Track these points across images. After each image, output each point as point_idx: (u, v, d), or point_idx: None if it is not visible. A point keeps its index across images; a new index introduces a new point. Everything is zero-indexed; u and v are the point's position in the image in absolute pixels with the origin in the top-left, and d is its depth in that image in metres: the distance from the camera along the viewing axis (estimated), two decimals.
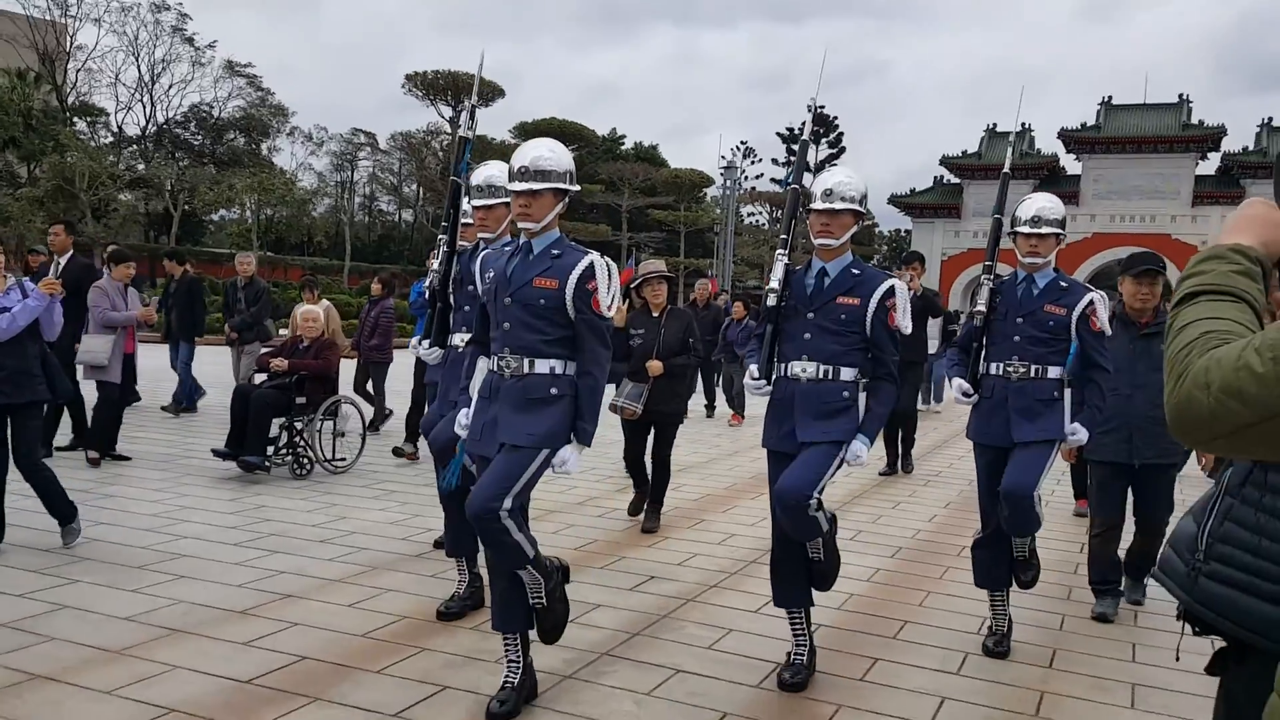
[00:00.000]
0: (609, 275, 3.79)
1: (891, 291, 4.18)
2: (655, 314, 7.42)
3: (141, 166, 50.30)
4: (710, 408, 14.95)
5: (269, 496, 7.60)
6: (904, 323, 4.21)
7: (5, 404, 5.69)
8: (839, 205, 4.18)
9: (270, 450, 8.33)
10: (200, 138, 60.93)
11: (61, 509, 5.93)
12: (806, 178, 4.39)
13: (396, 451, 9.58)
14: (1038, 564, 4.93)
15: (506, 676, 3.91)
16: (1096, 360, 4.77)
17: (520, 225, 3.88)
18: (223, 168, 52.96)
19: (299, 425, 8.47)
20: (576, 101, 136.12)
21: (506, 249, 4.08)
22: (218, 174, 47.60)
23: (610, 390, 6.43)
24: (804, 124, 4.80)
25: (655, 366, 7.16)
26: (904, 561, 6.59)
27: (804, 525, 4.14)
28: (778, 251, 4.29)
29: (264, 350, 10.03)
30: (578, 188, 4.01)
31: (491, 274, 3.96)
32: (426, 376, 6.04)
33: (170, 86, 60.57)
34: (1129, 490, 5.67)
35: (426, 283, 5.47)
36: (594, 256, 3.84)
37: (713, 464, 10.33)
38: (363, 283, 37.93)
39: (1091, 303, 4.73)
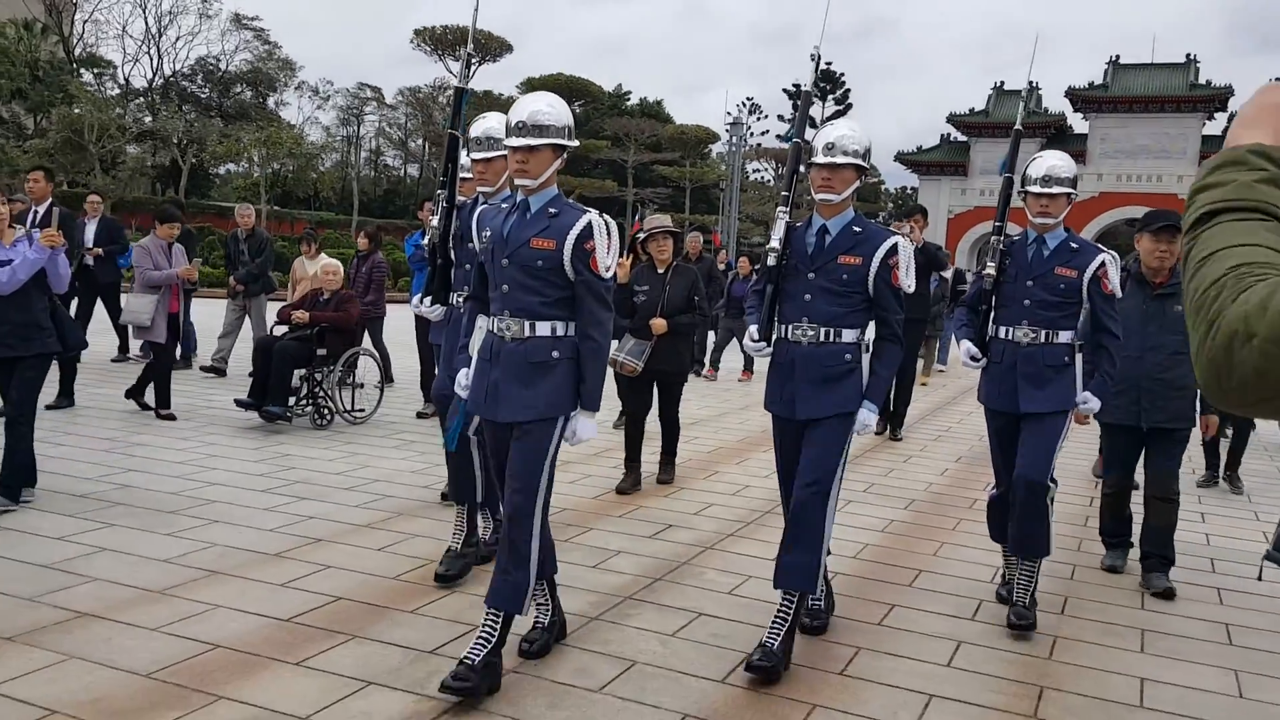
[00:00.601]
0: (608, 234, 3.73)
1: (895, 249, 4.06)
2: (660, 270, 7.27)
3: (149, 119, 50.17)
4: (699, 364, 14.32)
5: (292, 446, 7.75)
6: (907, 281, 4.10)
7: (12, 356, 5.63)
8: (840, 159, 4.06)
9: (291, 401, 8.46)
10: (207, 91, 60.65)
11: (10, 482, 5.66)
12: (810, 133, 4.23)
13: (422, 415, 9.30)
14: (1034, 618, 4.53)
15: (537, 617, 4.01)
16: (1107, 325, 4.67)
17: (517, 182, 3.80)
18: (230, 121, 52.76)
19: (319, 376, 8.60)
20: (583, 56, 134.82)
21: (504, 205, 3.99)
22: (225, 127, 47.40)
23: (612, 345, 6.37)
24: (809, 76, 4.43)
25: (659, 324, 7.02)
26: (917, 513, 6.75)
27: (813, 521, 4.04)
28: (779, 209, 4.20)
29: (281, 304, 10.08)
30: (576, 143, 3.91)
31: (489, 232, 3.88)
32: (430, 337, 5.94)
33: (177, 39, 60.61)
34: (1140, 451, 5.60)
35: (425, 238, 5.39)
36: (592, 215, 3.75)
37: (724, 418, 10.48)
38: (328, 233, 37.97)
39: (1104, 264, 4.62)
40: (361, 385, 9.05)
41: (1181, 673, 4.18)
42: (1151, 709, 3.81)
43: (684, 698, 3.65)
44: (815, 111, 68.38)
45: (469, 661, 3.55)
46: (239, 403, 8.37)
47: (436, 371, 5.74)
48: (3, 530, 5.21)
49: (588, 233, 3.69)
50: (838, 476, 4.07)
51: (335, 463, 7.24)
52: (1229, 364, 1.03)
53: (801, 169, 4.25)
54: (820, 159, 4.10)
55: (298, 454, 7.46)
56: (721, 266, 17.15)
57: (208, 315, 13.42)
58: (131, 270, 9.68)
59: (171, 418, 8.43)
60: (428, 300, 5.04)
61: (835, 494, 4.08)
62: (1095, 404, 4.70)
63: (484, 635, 3.65)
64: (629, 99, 68.80)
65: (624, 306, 7.09)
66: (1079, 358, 4.71)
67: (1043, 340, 4.63)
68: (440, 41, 52.91)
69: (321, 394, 8.59)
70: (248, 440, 7.89)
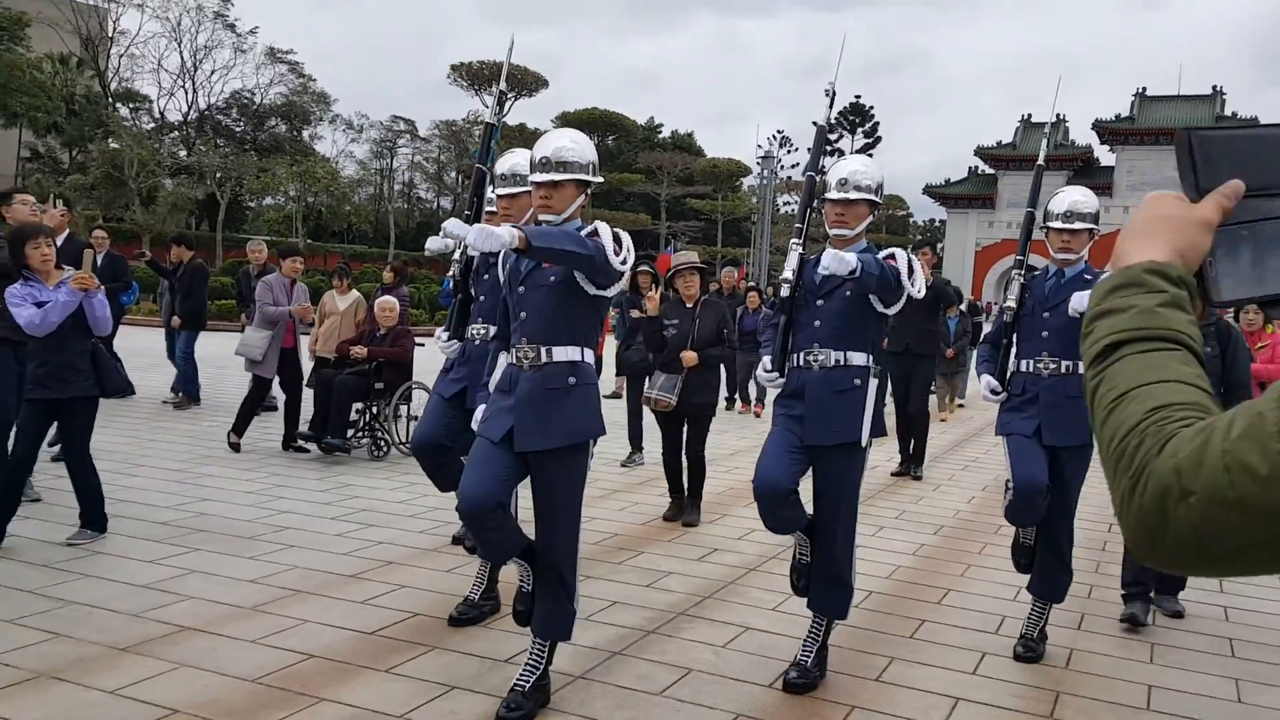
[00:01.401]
0: (615, 236, 3.74)
1: (892, 255, 4.19)
2: (689, 305, 7.42)
3: (184, 153, 51.38)
4: (730, 400, 14.38)
5: (352, 476, 8.17)
6: (911, 283, 4.12)
7: (50, 398, 5.64)
8: (854, 195, 4.16)
9: (350, 433, 8.90)
10: (242, 124, 62.05)
11: (92, 516, 5.94)
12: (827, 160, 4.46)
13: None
14: (1042, 651, 4.73)
15: (518, 679, 3.86)
16: None
17: (541, 217, 3.84)
18: (264, 154, 53.94)
19: (376, 409, 9.04)
20: (616, 89, 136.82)
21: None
22: (261, 161, 48.45)
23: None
24: (824, 113, 4.51)
25: (690, 357, 7.14)
26: (945, 538, 7.12)
27: (834, 597, 4.31)
28: (792, 241, 4.25)
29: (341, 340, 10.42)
30: (600, 179, 3.97)
31: (508, 265, 3.96)
32: (434, 387, 5.50)
33: (212, 73, 61.78)
34: None
35: (451, 276, 5.40)
36: (599, 224, 3.82)
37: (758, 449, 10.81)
38: (365, 268, 38.50)
39: None
40: (415, 418, 9.48)
41: (1186, 680, 4.51)
42: (1157, 711, 4.18)
43: (736, 700, 4.04)
44: (845, 144, 69.03)
45: (520, 689, 3.75)
46: (302, 435, 8.82)
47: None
48: (98, 555, 5.65)
49: (592, 232, 3.76)
50: (855, 514, 4.30)
51: (396, 491, 7.65)
52: (1162, 524, 0.89)
53: (816, 201, 4.35)
54: (834, 194, 4.21)
55: (359, 484, 7.88)
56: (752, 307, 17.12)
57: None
58: (134, 306, 9.91)
59: (237, 448, 8.87)
60: (444, 334, 5.07)
61: (854, 526, 4.32)
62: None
63: (531, 662, 3.84)
64: (660, 131, 69.72)
65: (654, 340, 7.37)
66: None
67: (1063, 371, 4.65)
68: (477, 76, 54.00)
69: (379, 426, 9.02)
70: (310, 471, 8.33)
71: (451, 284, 5.19)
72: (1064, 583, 4.84)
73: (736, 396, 14.30)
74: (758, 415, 13.56)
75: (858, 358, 4.18)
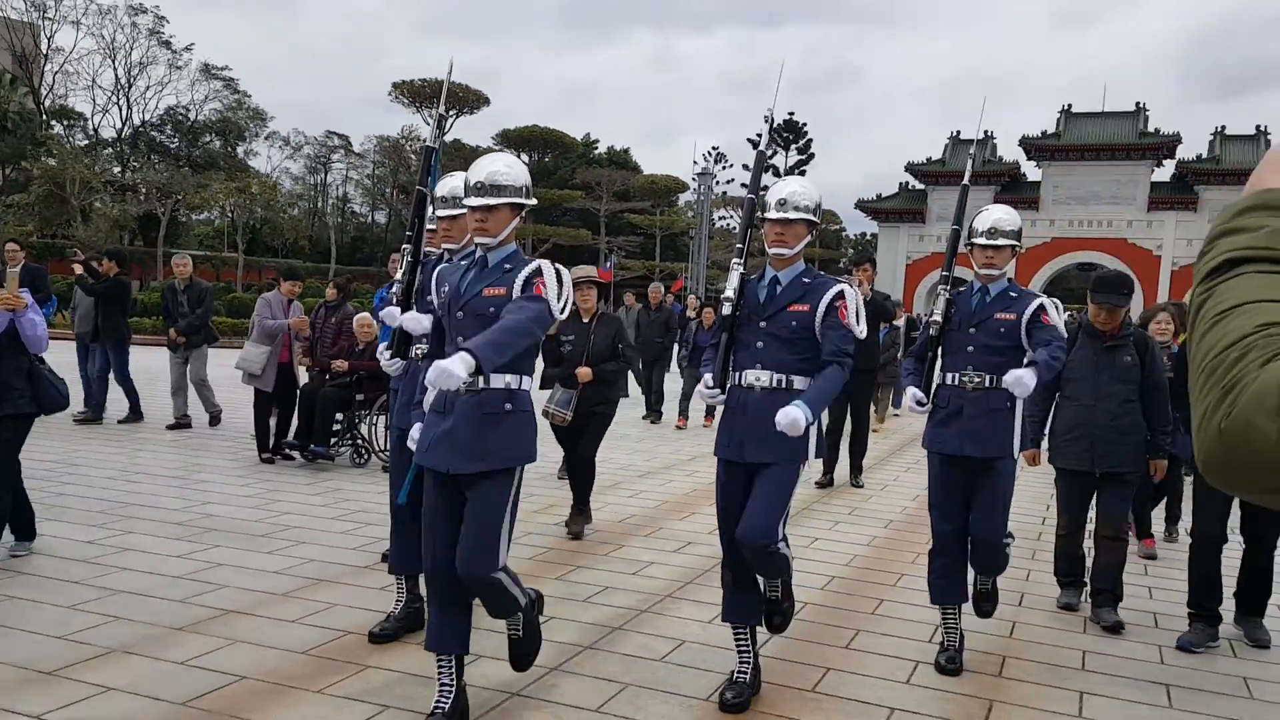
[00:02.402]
0: (557, 278, 3.83)
1: (841, 295, 4.19)
2: (585, 320, 7.36)
3: (117, 169, 50.90)
4: (657, 413, 14.48)
5: (339, 480, 8.68)
6: (858, 327, 4.20)
7: None
8: (793, 215, 4.20)
9: (333, 441, 9.40)
10: (176, 141, 61.55)
11: (21, 525, 5.99)
12: (768, 178, 4.33)
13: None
14: (997, 596, 5.08)
15: (438, 700, 3.88)
16: (1048, 344, 4.66)
17: (476, 240, 3.92)
18: (199, 170, 53.65)
19: (357, 419, 9.55)
20: (553, 105, 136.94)
21: (463, 263, 4.11)
22: (199, 177, 48.20)
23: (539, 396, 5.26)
24: (760, 135, 4.65)
25: (584, 373, 7.14)
26: (877, 549, 7.23)
27: (773, 564, 4.16)
28: (733, 260, 4.32)
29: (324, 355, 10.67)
30: (533, 201, 4.04)
31: (446, 288, 3.98)
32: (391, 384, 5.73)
33: (147, 89, 61.37)
34: (1092, 494, 5.85)
35: (391, 290, 5.45)
36: (543, 263, 3.87)
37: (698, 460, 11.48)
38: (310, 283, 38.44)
39: (1042, 305, 4.76)
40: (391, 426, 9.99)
41: (1118, 688, 4.63)
42: (1089, 718, 4.32)
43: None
44: (779, 161, 70.34)
45: (440, 709, 3.82)
46: (288, 444, 9.31)
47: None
48: (127, 551, 6.11)
49: (536, 272, 3.82)
50: (783, 522, 4.16)
51: (384, 495, 8.15)
52: (1248, 439, 0.82)
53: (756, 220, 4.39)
54: (773, 214, 4.23)
55: (348, 487, 8.40)
56: (692, 313, 16.94)
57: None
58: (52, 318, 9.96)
59: (270, 461, 9.48)
60: (388, 353, 5.14)
61: (784, 536, 4.19)
62: (1029, 380, 4.43)
63: (444, 684, 3.87)
64: (597, 147, 70.44)
65: (551, 356, 7.27)
66: (1019, 404, 4.81)
67: (987, 385, 4.76)
68: (418, 94, 54.23)
69: (359, 435, 9.53)
70: (298, 477, 8.80)
71: (393, 301, 5.14)
72: (1001, 566, 4.95)
73: (677, 409, 14.29)
74: (706, 425, 13.63)
75: (800, 381, 4.18)
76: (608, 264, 35.92)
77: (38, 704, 3.88)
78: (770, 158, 75.80)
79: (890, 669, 4.78)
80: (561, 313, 3.85)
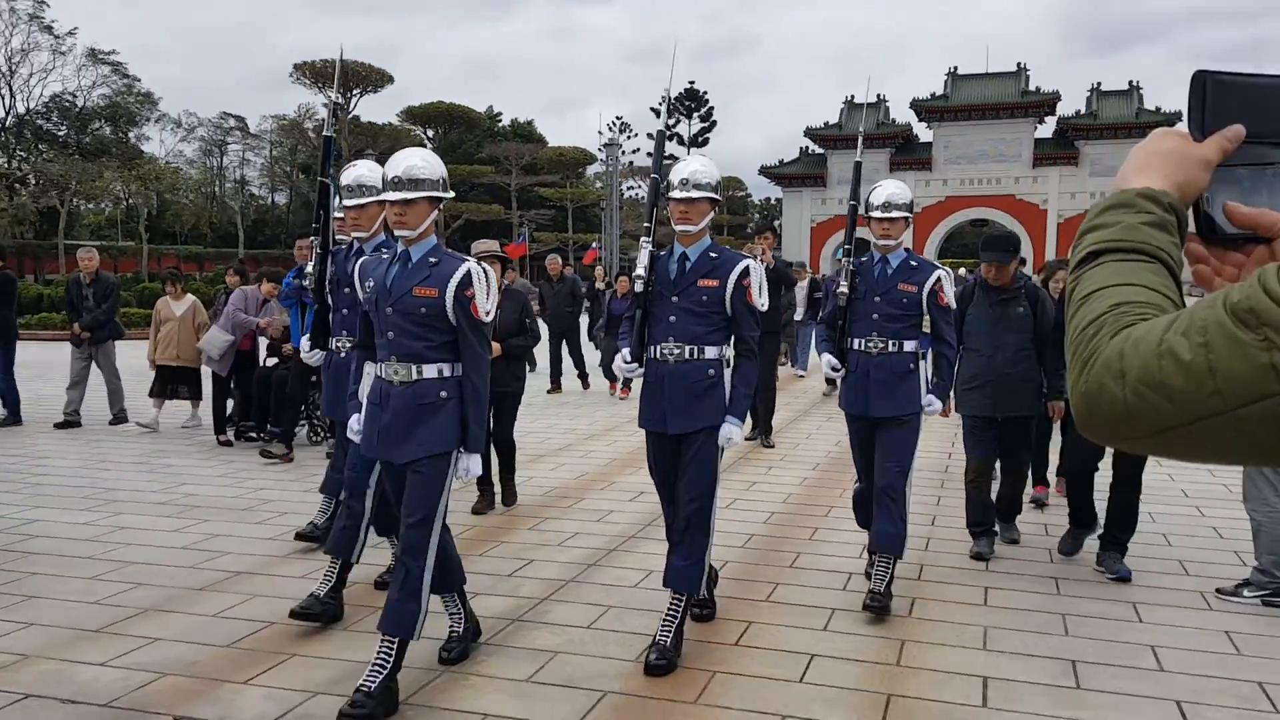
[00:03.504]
0: (485, 282, 3.96)
1: (747, 271, 4.43)
2: None
3: (2, 160, 49.32)
4: (584, 377, 14.66)
5: (300, 456, 9.14)
6: (760, 300, 4.46)
7: None
8: (695, 194, 4.41)
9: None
10: (64, 129, 59.72)
11: None
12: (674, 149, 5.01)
13: (266, 454, 9.11)
14: (888, 603, 5.04)
15: (452, 626, 4.35)
16: (943, 333, 5.24)
17: (397, 233, 3.98)
18: (90, 158, 52.24)
19: (312, 400, 10.00)
20: (455, 79, 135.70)
21: (384, 256, 4.17)
22: (92, 165, 46.99)
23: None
24: (662, 118, 4.79)
25: (493, 349, 7.21)
26: (792, 505, 7.50)
27: (702, 527, 4.50)
28: (642, 239, 4.51)
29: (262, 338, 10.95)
30: (450, 194, 4.12)
31: (371, 283, 4.05)
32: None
33: (30, 76, 59.36)
34: (996, 437, 6.20)
35: (310, 275, 5.42)
36: (470, 264, 3.96)
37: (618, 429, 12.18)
38: (218, 269, 37.85)
39: (939, 280, 5.16)
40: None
41: (1018, 619, 5.00)
42: (993, 650, 4.59)
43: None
44: (681, 129, 71.02)
45: (365, 689, 3.76)
46: (245, 426, 9.75)
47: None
48: (125, 529, 6.58)
49: (467, 280, 3.91)
50: (716, 490, 4.51)
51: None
52: (1100, 399, 0.97)
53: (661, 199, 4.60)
54: (677, 194, 4.44)
55: (311, 464, 8.84)
56: (601, 285, 17.49)
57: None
58: None
59: (229, 444, 9.88)
60: (307, 344, 5.30)
61: (715, 505, 4.54)
62: (939, 406, 5.22)
63: (379, 662, 3.86)
64: (500, 120, 70.26)
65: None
66: (924, 364, 5.23)
67: (890, 349, 5.15)
68: (320, 74, 53.39)
69: (315, 416, 9.99)
70: (252, 458, 9.20)
71: (309, 292, 5.31)
72: (902, 537, 5.15)
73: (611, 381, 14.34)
74: (623, 397, 13.77)
75: (711, 351, 4.45)
76: (520, 238, 36.24)
77: (97, 655, 4.41)
78: (674, 127, 76.66)
79: (828, 580, 5.62)
80: (489, 314, 3.99)
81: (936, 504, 7.47)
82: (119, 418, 11.28)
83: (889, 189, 5.29)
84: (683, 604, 4.46)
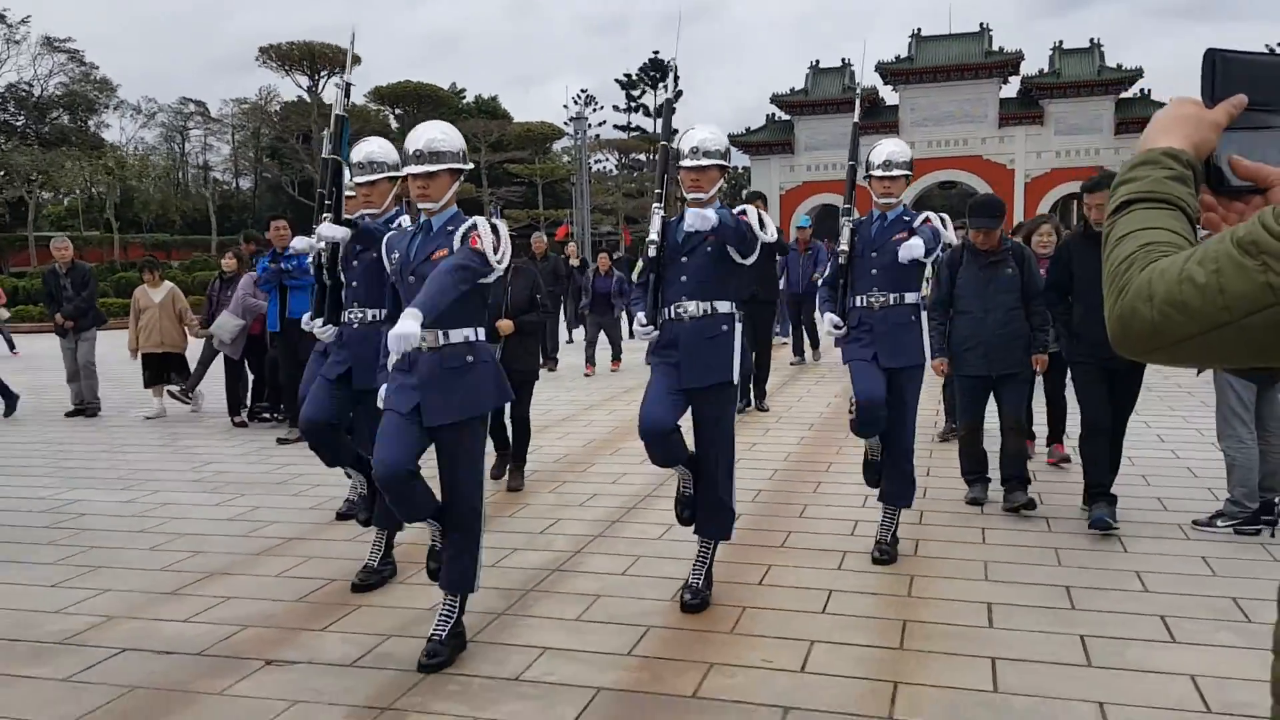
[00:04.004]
0: (492, 231, 4.07)
1: (744, 211, 4.59)
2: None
3: None
4: (553, 360, 14.70)
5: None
6: (763, 232, 4.54)
7: None
8: (705, 161, 4.54)
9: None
10: (21, 118, 59.03)
11: None
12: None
13: (282, 441, 9.23)
14: (895, 554, 5.36)
15: (435, 630, 4.20)
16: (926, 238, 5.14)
17: (420, 206, 4.13)
18: (49, 148, 51.73)
19: None
20: (416, 56, 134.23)
21: (409, 229, 4.34)
22: (52, 154, 46.56)
23: None
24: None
25: (505, 325, 7.10)
26: (793, 463, 7.94)
27: (718, 522, 4.81)
28: (654, 205, 4.61)
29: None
30: (470, 165, 4.22)
31: (396, 254, 4.23)
32: (316, 347, 5.67)
33: None
34: (988, 395, 6.47)
35: (309, 259, 5.51)
36: (478, 219, 4.14)
37: (616, 399, 12.60)
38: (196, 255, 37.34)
39: (928, 216, 5.34)
40: None
41: (1014, 554, 5.43)
42: (994, 580, 5.26)
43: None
44: (648, 99, 71.07)
45: (437, 637, 4.11)
46: (259, 409, 10.10)
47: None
48: (169, 505, 6.93)
49: (472, 227, 4.09)
50: (732, 446, 4.73)
51: None
52: (1133, 320, 1.21)
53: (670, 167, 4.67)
54: (687, 162, 4.55)
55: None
56: (575, 262, 17.38)
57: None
58: None
59: (243, 425, 10.20)
60: (319, 321, 5.24)
61: (733, 455, 4.78)
62: (918, 245, 5.04)
63: (444, 614, 4.19)
64: (464, 96, 69.99)
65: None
66: (924, 316, 5.42)
67: (892, 302, 5.31)
68: (286, 57, 52.99)
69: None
70: (270, 434, 9.55)
71: (313, 268, 5.34)
72: (909, 490, 5.49)
73: (583, 358, 14.42)
74: (613, 370, 14.20)
75: (723, 306, 4.63)
76: (492, 215, 36.25)
77: (178, 613, 4.79)
78: (639, 96, 76.78)
79: (836, 527, 6.01)
80: (500, 262, 4.05)
81: (929, 456, 7.86)
82: (79, 409, 11.26)
83: (889, 148, 5.43)
84: (711, 548, 4.83)
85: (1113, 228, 1.34)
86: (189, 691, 3.93)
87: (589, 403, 11.44)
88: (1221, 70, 1.37)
